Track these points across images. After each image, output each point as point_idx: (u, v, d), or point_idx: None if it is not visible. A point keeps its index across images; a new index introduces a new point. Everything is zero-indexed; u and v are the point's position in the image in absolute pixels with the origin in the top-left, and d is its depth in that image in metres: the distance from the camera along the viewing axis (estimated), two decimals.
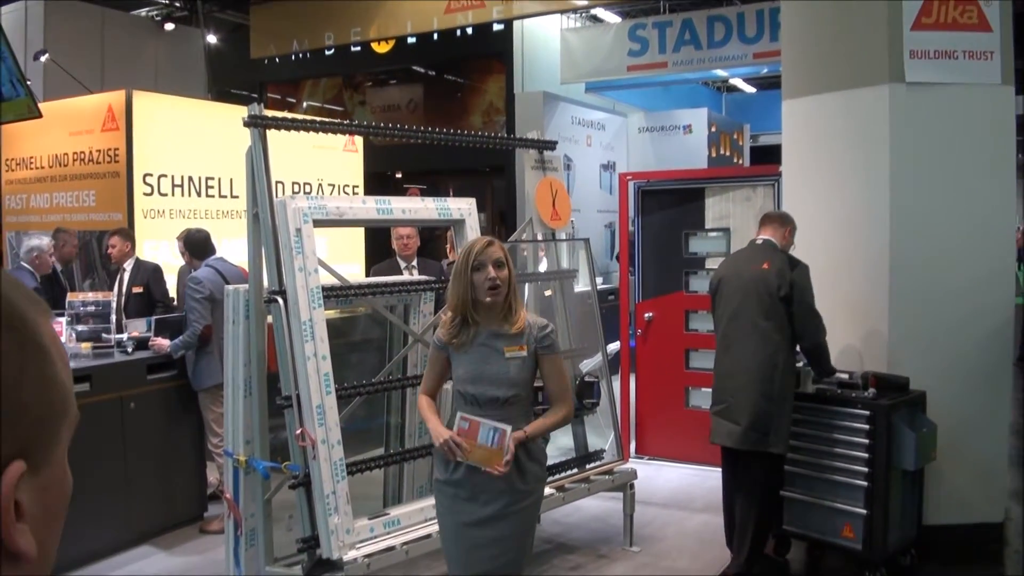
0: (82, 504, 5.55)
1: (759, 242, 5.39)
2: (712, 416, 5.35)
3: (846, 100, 6.09)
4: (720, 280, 5.42)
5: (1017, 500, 6.75)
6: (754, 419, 5.11)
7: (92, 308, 6.29)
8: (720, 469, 7.21)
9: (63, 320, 6.13)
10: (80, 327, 6.17)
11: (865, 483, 5.26)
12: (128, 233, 7.34)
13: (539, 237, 5.91)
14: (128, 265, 7.18)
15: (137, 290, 7.00)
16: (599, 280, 11.26)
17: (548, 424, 3.65)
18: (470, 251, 3.53)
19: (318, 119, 4.85)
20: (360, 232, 10.14)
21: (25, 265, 7.46)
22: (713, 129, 15.32)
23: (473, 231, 5.20)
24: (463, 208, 5.22)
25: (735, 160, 16.28)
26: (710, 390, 7.42)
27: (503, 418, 3.49)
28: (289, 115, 4.84)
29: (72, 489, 0.87)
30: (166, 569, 5.61)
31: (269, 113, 4.64)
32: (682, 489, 6.97)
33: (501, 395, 3.51)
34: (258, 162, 4.59)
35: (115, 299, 7.09)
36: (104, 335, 6.18)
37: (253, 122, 4.56)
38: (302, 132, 4.88)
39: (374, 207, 4.90)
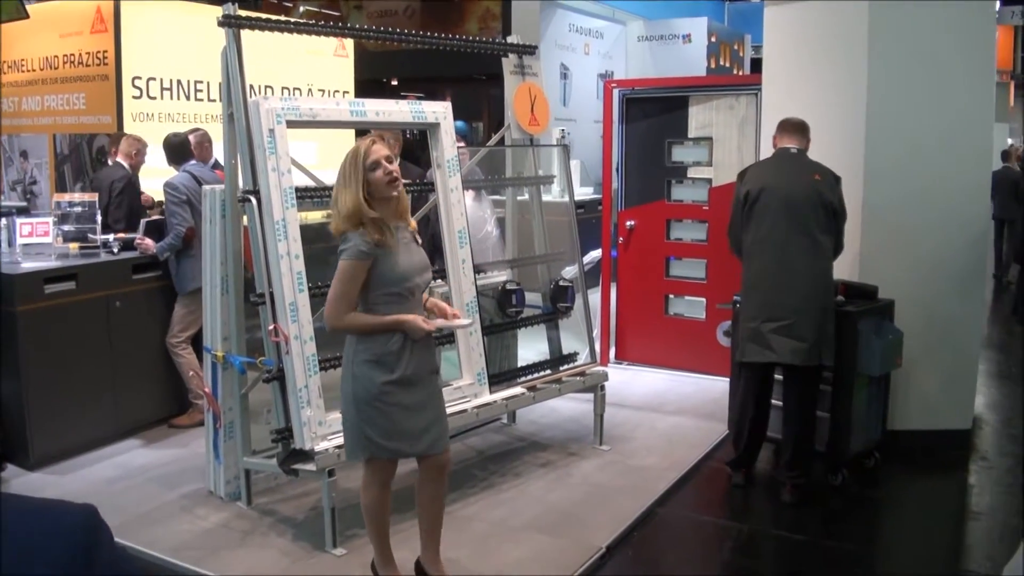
0: (70, 397, 5.72)
1: (793, 151, 5.27)
2: (767, 333, 5.12)
3: (826, 7, 6.08)
4: (762, 190, 5.15)
5: (993, 411, 6.92)
6: (818, 335, 5.08)
7: (79, 209, 6.36)
8: (685, 373, 7.45)
9: (50, 220, 6.22)
10: (67, 227, 6.25)
11: (828, 387, 5.40)
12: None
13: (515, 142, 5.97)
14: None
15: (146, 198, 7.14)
16: (589, 190, 11.34)
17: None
18: (358, 152, 3.69)
19: (292, 20, 4.90)
20: (350, 137, 10.16)
21: None
22: (713, 39, 15.16)
23: (448, 135, 5.25)
24: (438, 111, 5.26)
25: (735, 71, 16.13)
26: (691, 298, 7.63)
27: (421, 305, 3.91)
28: (263, 15, 4.87)
29: None
30: (151, 461, 5.78)
31: (244, 13, 4.67)
32: (657, 393, 7.12)
33: (430, 280, 3.98)
34: (232, 62, 4.65)
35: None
36: (91, 235, 6.27)
37: (227, 22, 4.61)
38: (293, 36, 4.94)
39: (347, 109, 4.96)
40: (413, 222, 3.95)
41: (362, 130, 6.37)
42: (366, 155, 3.66)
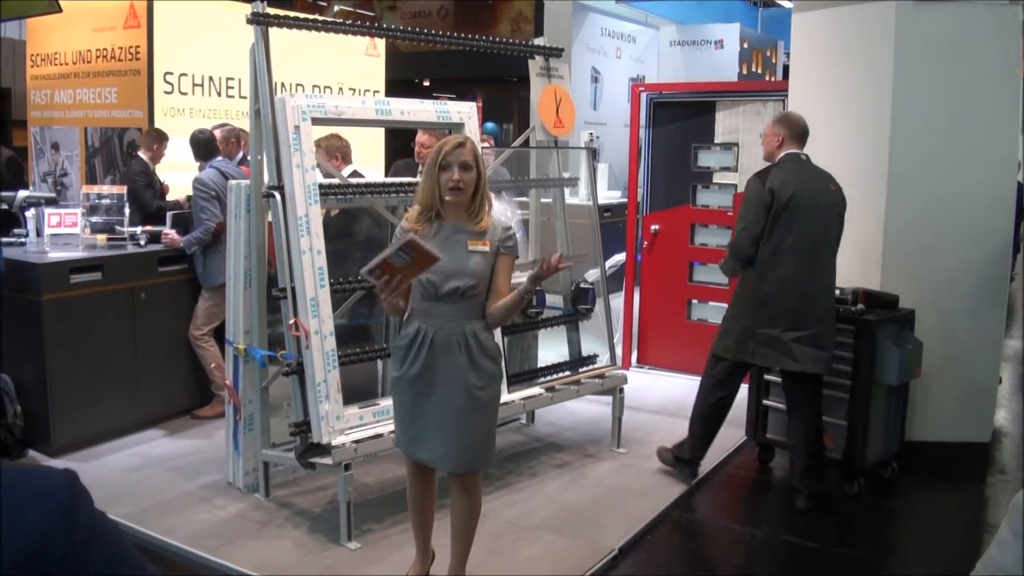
0: (93, 386, 5.80)
1: (804, 158, 5.22)
2: (790, 343, 5.05)
3: (853, 14, 6.06)
4: (794, 195, 5.02)
5: (1014, 424, 6.87)
6: (832, 343, 5.14)
7: (108, 201, 6.45)
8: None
9: (78, 211, 6.30)
10: (95, 219, 6.33)
11: (846, 395, 5.39)
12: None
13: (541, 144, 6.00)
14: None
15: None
16: (618, 194, 11.34)
17: (509, 303, 3.70)
18: (440, 150, 3.64)
19: (320, 18, 4.94)
20: (380, 137, 10.24)
21: None
22: (745, 45, 15.14)
23: (472, 135, 5.28)
24: (462, 111, 5.30)
25: (767, 77, 16.07)
26: (714, 304, 7.61)
27: (460, 312, 3.65)
28: (294, 14, 4.91)
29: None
30: (171, 451, 5.85)
31: (272, 11, 4.72)
32: (676, 398, 7.10)
33: (461, 285, 3.62)
34: (260, 59, 4.69)
35: None
36: (118, 227, 6.35)
37: (256, 19, 4.66)
38: (323, 35, 4.99)
39: (372, 107, 5.00)
40: (486, 221, 3.70)
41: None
42: (445, 155, 3.61)
